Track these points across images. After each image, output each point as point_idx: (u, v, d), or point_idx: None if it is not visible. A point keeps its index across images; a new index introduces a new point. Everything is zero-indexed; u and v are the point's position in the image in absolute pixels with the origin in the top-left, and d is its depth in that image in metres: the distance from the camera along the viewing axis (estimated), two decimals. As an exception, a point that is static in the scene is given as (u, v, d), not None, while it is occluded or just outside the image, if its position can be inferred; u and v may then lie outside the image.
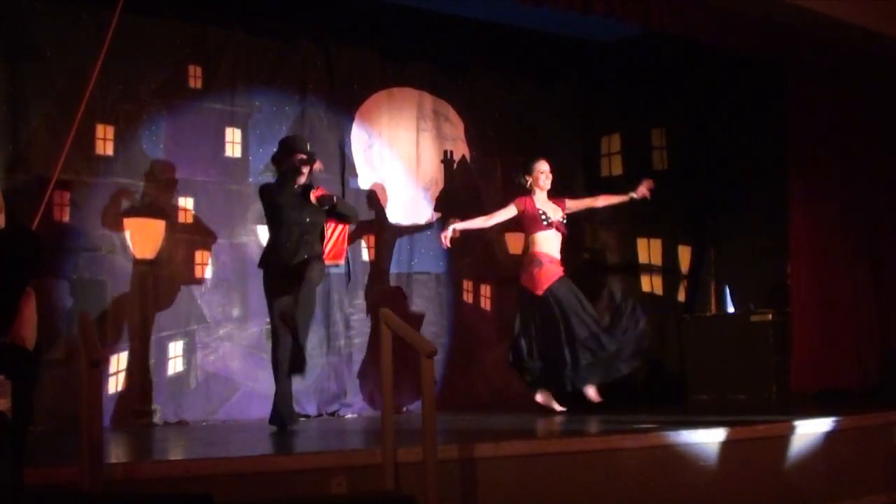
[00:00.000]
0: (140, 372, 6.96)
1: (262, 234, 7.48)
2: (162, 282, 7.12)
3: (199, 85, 7.41)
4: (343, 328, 7.79)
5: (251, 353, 7.42)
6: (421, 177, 8.38)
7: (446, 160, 8.51)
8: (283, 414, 6.21)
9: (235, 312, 7.39)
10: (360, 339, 7.85)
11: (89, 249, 6.86)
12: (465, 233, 8.43)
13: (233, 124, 7.53)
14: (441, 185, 8.47)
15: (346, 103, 8.05)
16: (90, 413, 3.93)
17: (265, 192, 6.49)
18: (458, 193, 8.50)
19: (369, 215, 8.07)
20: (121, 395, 6.88)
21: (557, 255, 7.22)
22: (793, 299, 8.12)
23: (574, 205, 7.47)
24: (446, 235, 7.22)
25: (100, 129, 6.97)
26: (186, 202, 7.27)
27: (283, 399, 6.24)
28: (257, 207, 7.50)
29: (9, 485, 3.54)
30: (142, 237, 7.09)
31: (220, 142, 7.48)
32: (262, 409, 7.29)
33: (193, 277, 7.26)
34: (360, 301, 7.91)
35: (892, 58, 8.11)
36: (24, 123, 6.67)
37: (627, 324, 7.16)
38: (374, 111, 8.21)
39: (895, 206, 8.26)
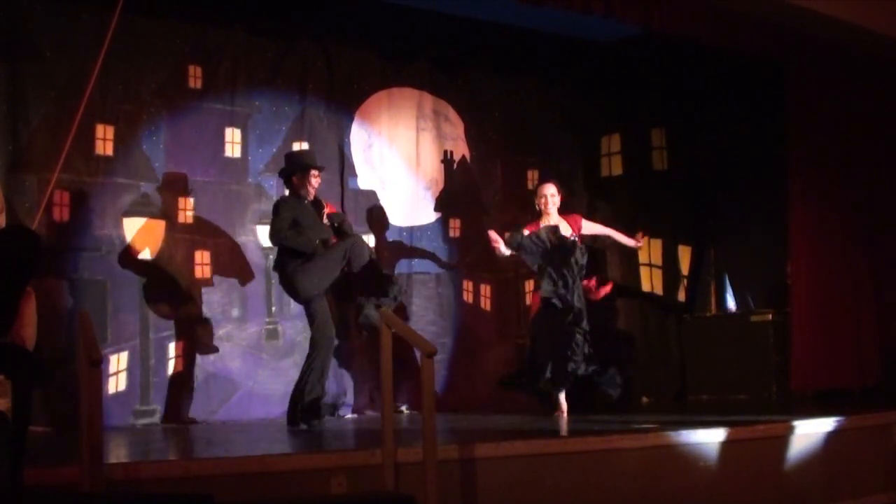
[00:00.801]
0: (140, 372, 6.96)
1: (262, 234, 7.49)
2: (162, 282, 7.12)
3: (199, 85, 7.41)
4: (343, 328, 7.79)
5: (251, 353, 7.42)
6: (421, 177, 8.38)
7: (446, 160, 8.52)
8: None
9: (235, 312, 7.39)
10: (360, 339, 7.85)
11: (89, 249, 6.86)
12: (465, 232, 8.47)
13: (233, 124, 7.53)
14: (441, 185, 8.47)
15: (346, 103, 8.06)
16: (90, 413, 3.93)
17: (286, 208, 6.44)
18: (458, 193, 8.50)
19: (369, 215, 8.07)
20: (121, 395, 6.88)
21: None
22: (793, 299, 8.12)
23: (590, 227, 7.36)
24: (496, 241, 7.03)
25: (100, 129, 6.96)
26: (186, 202, 7.27)
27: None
28: (257, 207, 7.53)
29: (9, 485, 3.54)
30: (142, 237, 7.08)
31: (220, 142, 7.48)
32: (262, 409, 7.32)
33: (193, 277, 7.26)
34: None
35: (892, 58, 8.12)
36: (24, 123, 6.67)
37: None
38: (374, 111, 8.21)
39: (895, 206, 8.27)
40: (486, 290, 8.57)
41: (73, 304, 6.71)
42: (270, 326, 7.55)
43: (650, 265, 9.31)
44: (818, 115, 8.11)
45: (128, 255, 7.02)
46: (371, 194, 8.11)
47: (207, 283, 7.31)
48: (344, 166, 7.95)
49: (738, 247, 9.33)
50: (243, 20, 7.57)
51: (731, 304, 9.35)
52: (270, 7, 7.52)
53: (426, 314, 8.21)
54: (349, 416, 7.66)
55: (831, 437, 6.00)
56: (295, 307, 7.46)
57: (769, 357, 8.43)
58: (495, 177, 8.69)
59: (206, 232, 7.32)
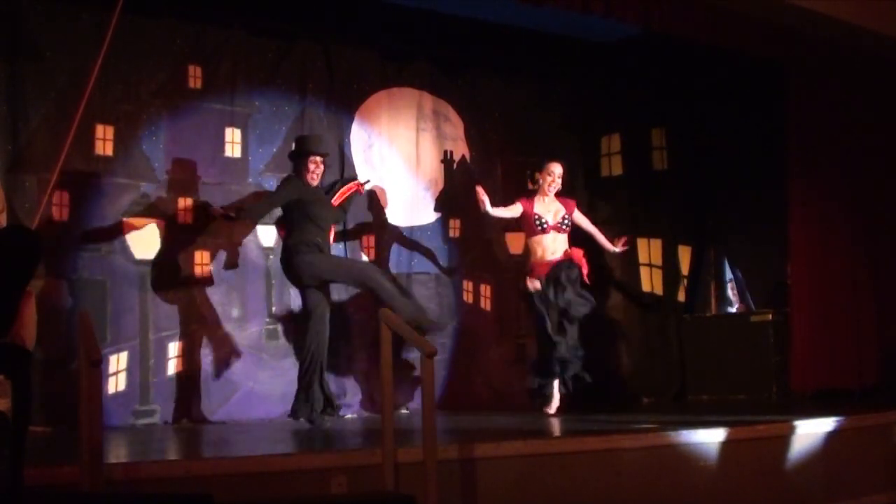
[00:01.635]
0: (140, 372, 6.96)
1: (262, 234, 7.49)
2: (162, 282, 7.11)
3: (198, 85, 7.41)
4: (343, 328, 7.78)
5: (251, 353, 7.42)
6: (421, 177, 8.38)
7: (446, 160, 8.51)
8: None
9: (235, 312, 7.39)
10: (360, 338, 7.84)
11: (89, 249, 6.86)
12: (465, 232, 8.47)
13: (233, 124, 7.53)
14: (441, 185, 8.47)
15: (346, 103, 8.05)
16: (90, 413, 3.93)
17: (286, 186, 6.68)
18: (458, 193, 8.49)
19: (369, 215, 8.07)
20: (121, 395, 6.88)
21: (552, 257, 7.15)
22: (793, 299, 8.12)
23: (579, 218, 7.40)
24: (483, 201, 7.15)
25: (100, 130, 6.96)
26: (186, 202, 7.27)
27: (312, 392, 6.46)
28: (257, 207, 7.52)
29: (9, 485, 3.54)
30: (142, 237, 7.08)
31: (220, 142, 7.48)
32: (262, 409, 7.31)
33: (193, 277, 7.25)
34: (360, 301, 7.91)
35: (892, 58, 8.12)
36: (24, 123, 6.67)
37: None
38: (374, 111, 8.21)
39: (895, 206, 8.27)
40: (486, 290, 8.57)
41: (73, 304, 6.71)
42: (270, 326, 7.55)
43: (650, 265, 9.31)
44: (818, 115, 8.11)
45: (128, 255, 7.02)
46: (371, 194, 8.11)
47: (207, 283, 7.31)
48: (344, 166, 7.94)
49: (738, 247, 9.33)
50: (243, 20, 7.57)
51: (731, 296, 9.32)
52: (270, 7, 7.51)
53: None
54: (349, 416, 7.66)
55: (831, 437, 6.00)
56: (295, 307, 7.47)
57: (769, 357, 8.43)
58: (495, 177, 8.69)
59: (206, 232, 7.32)
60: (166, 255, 7.15)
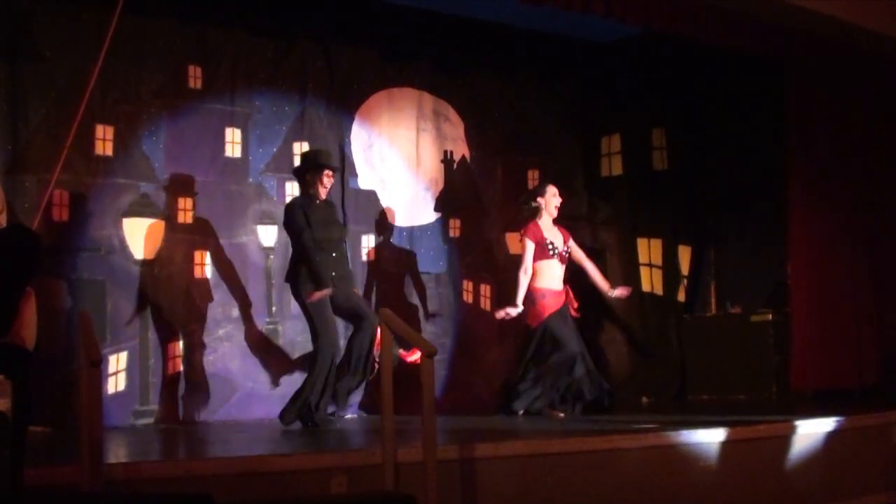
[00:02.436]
0: (140, 372, 6.96)
1: (263, 234, 7.50)
2: (162, 282, 7.12)
3: (198, 85, 7.41)
4: (343, 328, 7.78)
5: (251, 353, 7.41)
6: (421, 177, 8.38)
7: (446, 160, 8.52)
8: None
9: (235, 312, 7.39)
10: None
11: (89, 249, 6.86)
12: (466, 235, 8.47)
13: (233, 124, 7.53)
14: (441, 185, 8.47)
15: (346, 103, 8.06)
16: (90, 413, 3.93)
17: (297, 207, 6.45)
18: (458, 193, 8.50)
19: (370, 216, 8.07)
20: (121, 395, 6.88)
21: (558, 286, 7.10)
22: (793, 299, 8.12)
23: (576, 251, 7.30)
24: (507, 314, 7.08)
25: (99, 130, 6.96)
26: (186, 202, 7.27)
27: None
28: (257, 207, 7.53)
29: (9, 485, 3.54)
30: (142, 237, 7.08)
31: (220, 142, 7.48)
32: (262, 409, 7.31)
33: (193, 277, 7.25)
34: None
35: (892, 58, 8.12)
36: (24, 123, 6.67)
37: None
38: (374, 111, 8.21)
39: (895, 207, 8.27)
40: (486, 290, 8.57)
41: (72, 304, 6.71)
42: (270, 326, 7.55)
43: (650, 265, 9.31)
44: (818, 115, 8.11)
45: (128, 255, 7.02)
46: (371, 194, 8.12)
47: (207, 283, 7.31)
48: (344, 166, 7.94)
49: (738, 247, 9.33)
50: (243, 20, 7.57)
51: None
52: (270, 7, 7.52)
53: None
54: (349, 416, 7.66)
55: (831, 437, 6.00)
56: (295, 307, 7.46)
57: (769, 357, 8.43)
58: (495, 177, 8.69)
59: (206, 232, 7.32)
60: (166, 255, 7.15)
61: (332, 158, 6.85)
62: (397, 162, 8.28)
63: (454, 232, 8.48)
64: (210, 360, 7.25)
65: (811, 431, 5.92)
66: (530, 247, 7.06)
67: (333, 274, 6.41)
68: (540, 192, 7.24)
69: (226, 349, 7.32)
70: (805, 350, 7.99)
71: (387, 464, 4.45)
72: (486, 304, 8.57)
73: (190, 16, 7.36)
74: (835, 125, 8.15)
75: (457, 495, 4.61)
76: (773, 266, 8.74)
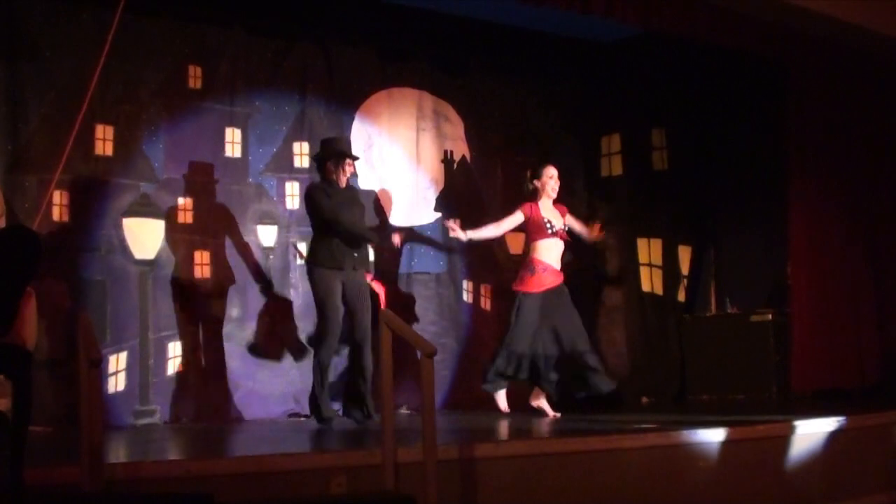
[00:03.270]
0: (140, 372, 6.96)
1: (263, 234, 7.50)
2: (162, 282, 7.11)
3: (198, 85, 7.41)
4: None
5: (251, 353, 7.41)
6: (421, 177, 8.38)
7: (446, 160, 8.52)
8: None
9: (235, 312, 7.39)
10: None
11: (89, 249, 6.86)
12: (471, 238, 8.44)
13: (232, 124, 7.53)
14: (441, 185, 8.47)
15: (346, 103, 8.05)
16: (90, 413, 3.92)
17: (319, 191, 6.48)
18: (458, 193, 8.50)
19: (370, 217, 8.07)
20: (121, 395, 6.88)
21: (556, 265, 7.06)
22: (793, 299, 8.12)
23: (572, 221, 7.29)
24: (453, 228, 7.09)
25: (100, 130, 6.96)
26: (186, 202, 7.27)
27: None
28: (257, 207, 7.53)
29: (9, 485, 3.54)
30: (142, 237, 7.08)
31: (220, 142, 7.48)
32: (262, 409, 7.31)
33: (193, 277, 7.25)
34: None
35: (892, 58, 8.12)
36: (24, 123, 6.67)
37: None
38: (374, 111, 8.21)
39: (895, 207, 8.27)
40: (486, 290, 8.57)
41: (73, 304, 6.71)
42: (270, 326, 7.54)
43: (650, 265, 9.30)
44: (818, 115, 8.11)
45: (128, 255, 7.02)
46: (371, 194, 8.11)
47: (207, 283, 7.31)
48: (344, 166, 7.93)
49: (738, 247, 9.33)
50: (243, 20, 7.57)
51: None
52: (270, 7, 7.52)
53: (426, 314, 8.20)
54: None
55: (831, 437, 6.00)
56: (295, 308, 7.48)
57: (769, 357, 8.42)
58: (495, 177, 8.69)
59: (206, 232, 7.32)
60: (166, 255, 7.15)
61: (351, 147, 6.82)
62: (397, 162, 8.28)
63: (454, 232, 8.45)
64: (210, 360, 7.25)
65: (811, 431, 5.92)
66: (518, 215, 7.09)
67: (356, 255, 6.45)
68: (537, 174, 7.23)
69: (226, 349, 7.32)
70: (805, 350, 7.99)
71: (387, 464, 4.45)
72: (486, 304, 8.57)
73: (190, 16, 7.36)
74: (835, 125, 8.15)
75: (457, 495, 4.61)
76: (773, 266, 8.74)
